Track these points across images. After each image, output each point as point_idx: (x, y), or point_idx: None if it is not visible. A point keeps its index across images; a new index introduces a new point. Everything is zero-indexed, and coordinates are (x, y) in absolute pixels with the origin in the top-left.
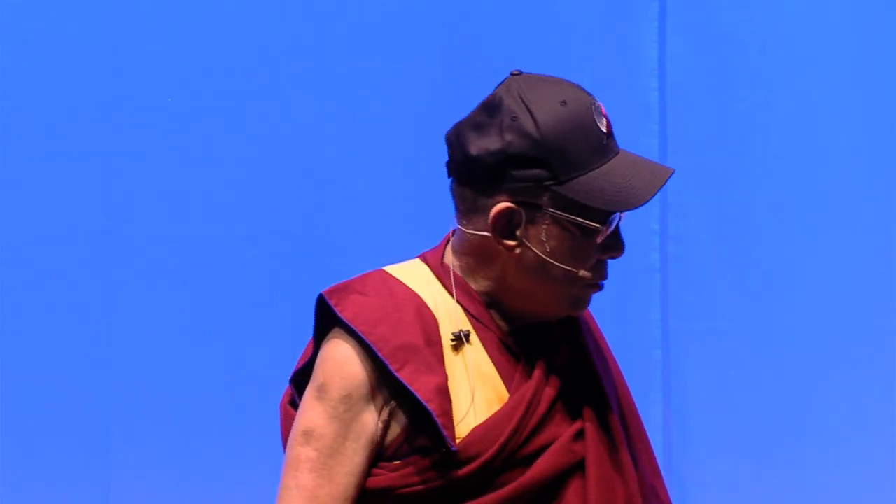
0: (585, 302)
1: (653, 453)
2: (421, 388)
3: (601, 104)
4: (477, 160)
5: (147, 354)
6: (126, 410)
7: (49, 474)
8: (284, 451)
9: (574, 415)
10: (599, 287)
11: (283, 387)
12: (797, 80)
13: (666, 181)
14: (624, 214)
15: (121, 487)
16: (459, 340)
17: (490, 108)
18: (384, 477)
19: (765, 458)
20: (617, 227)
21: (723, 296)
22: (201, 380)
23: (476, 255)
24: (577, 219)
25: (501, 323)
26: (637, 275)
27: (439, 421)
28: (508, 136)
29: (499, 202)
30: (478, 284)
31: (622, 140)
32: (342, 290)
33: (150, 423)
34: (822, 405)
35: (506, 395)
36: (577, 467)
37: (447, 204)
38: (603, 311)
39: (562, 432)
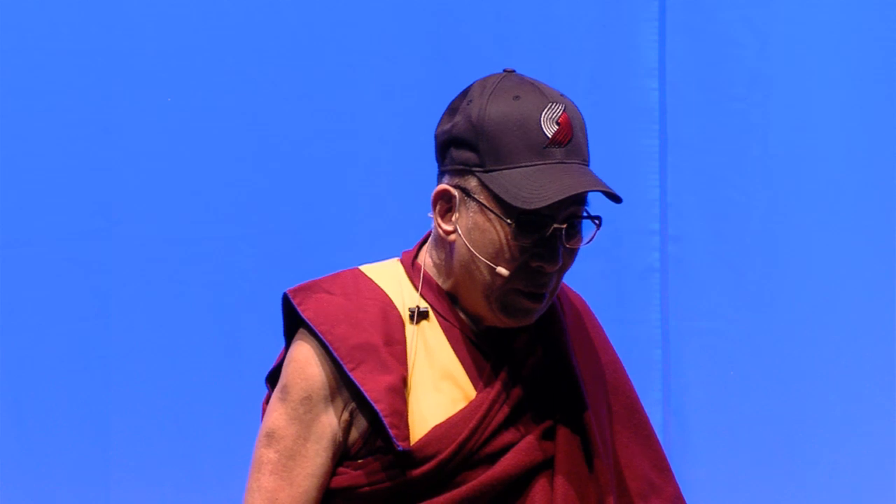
0: (521, 311)
1: (657, 449)
2: (372, 387)
3: (571, 117)
4: (435, 139)
5: (147, 354)
6: (126, 410)
7: (49, 474)
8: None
9: (545, 414)
10: (533, 296)
11: None
12: (796, 81)
13: (581, 196)
14: (563, 227)
15: (121, 487)
16: (414, 317)
17: (462, 94)
18: (347, 476)
19: (764, 458)
20: (554, 238)
21: (722, 296)
22: (201, 380)
23: (438, 247)
24: (492, 210)
25: (468, 321)
26: (637, 275)
27: (386, 420)
28: (458, 118)
29: (441, 184)
30: (443, 281)
31: (622, 140)
32: (307, 288)
33: (151, 423)
34: (822, 405)
35: (472, 393)
36: (545, 465)
37: None
38: (603, 311)
39: (530, 431)
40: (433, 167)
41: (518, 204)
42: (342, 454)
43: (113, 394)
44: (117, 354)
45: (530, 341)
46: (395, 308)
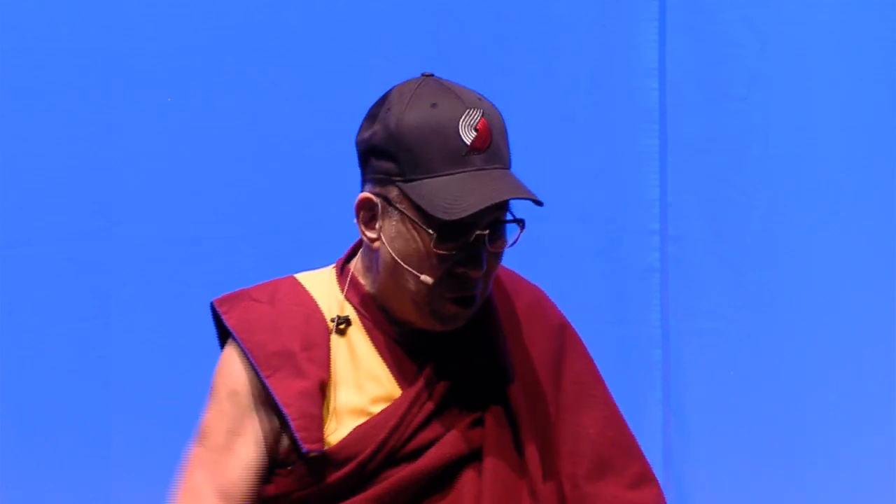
0: (451, 317)
1: (619, 428)
2: (283, 392)
3: (490, 122)
4: (356, 147)
5: (147, 354)
6: (126, 410)
7: (49, 474)
8: None
9: (473, 407)
10: (462, 300)
11: None
12: (796, 81)
13: (501, 203)
14: (486, 233)
15: (121, 487)
16: (338, 325)
17: (381, 100)
18: (279, 483)
19: (764, 457)
20: (479, 242)
21: (722, 295)
22: (201, 380)
23: (366, 253)
24: (414, 220)
25: (396, 324)
26: (637, 275)
27: (294, 424)
28: (376, 126)
29: (364, 191)
30: (370, 285)
31: (622, 140)
32: (235, 297)
33: (151, 424)
34: (822, 405)
35: (398, 393)
36: (473, 457)
37: None
38: (603, 311)
39: (456, 425)
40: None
41: (439, 214)
42: (278, 462)
43: (113, 394)
44: (117, 354)
45: (460, 336)
46: (320, 313)
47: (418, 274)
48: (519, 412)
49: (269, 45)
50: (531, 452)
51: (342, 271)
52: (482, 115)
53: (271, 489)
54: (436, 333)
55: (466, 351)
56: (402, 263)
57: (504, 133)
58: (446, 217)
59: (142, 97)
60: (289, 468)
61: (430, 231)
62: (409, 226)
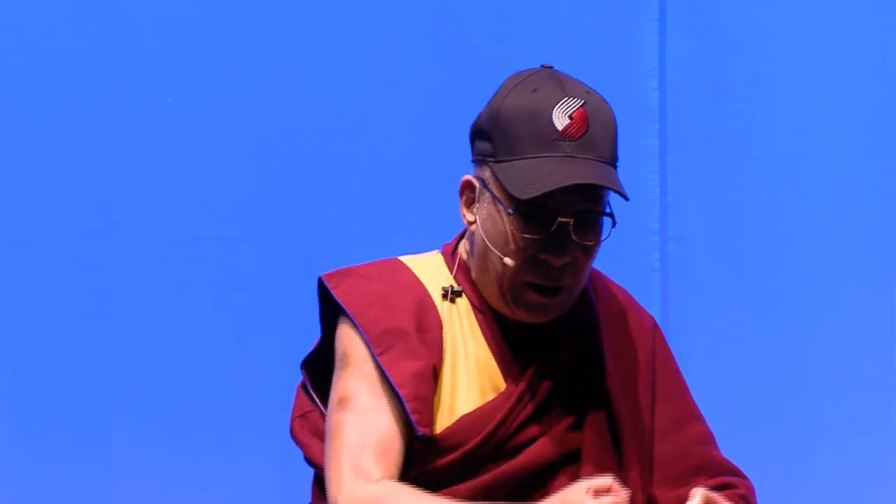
0: (532, 305)
1: (705, 449)
2: (397, 372)
3: (589, 113)
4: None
5: (147, 354)
6: (126, 410)
7: (49, 474)
8: (292, 434)
9: (574, 407)
10: (543, 290)
11: (284, 387)
12: (797, 80)
13: (593, 192)
14: (570, 221)
15: (121, 487)
16: (447, 294)
17: (499, 88)
18: None
19: (764, 457)
20: (564, 231)
21: (723, 296)
22: (202, 380)
23: (468, 238)
24: (500, 201)
25: (503, 314)
26: (637, 275)
27: (409, 406)
28: (484, 110)
29: (469, 174)
30: (473, 271)
31: (623, 139)
32: (343, 273)
33: (151, 424)
34: (823, 405)
35: (502, 385)
36: (572, 458)
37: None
38: None
39: (557, 424)
40: (435, 167)
41: (515, 193)
42: None
43: (113, 394)
44: (118, 354)
45: (564, 333)
46: (430, 297)
47: (502, 256)
48: (618, 417)
49: (269, 46)
50: (630, 460)
51: (452, 255)
52: (581, 105)
53: None
54: (538, 328)
55: (567, 350)
56: (490, 245)
57: (609, 129)
58: (520, 196)
59: (142, 97)
60: None
61: (511, 211)
62: (497, 207)
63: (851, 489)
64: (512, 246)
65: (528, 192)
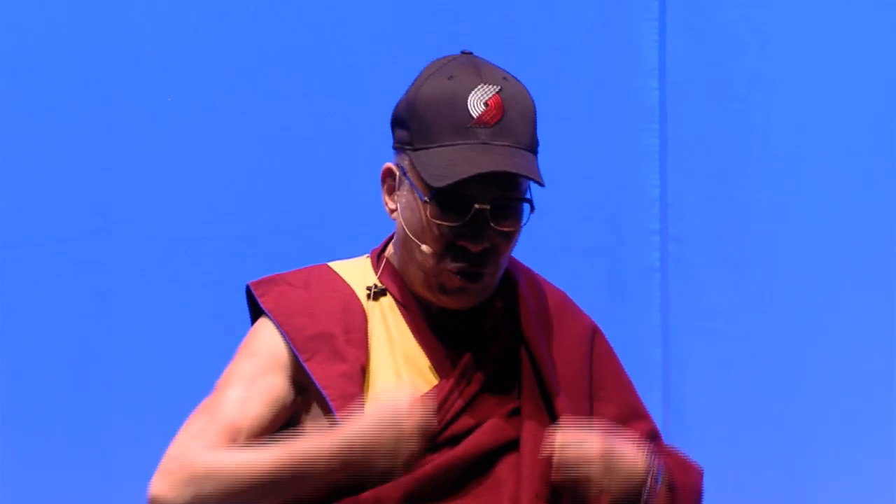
0: (456, 290)
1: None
2: (323, 375)
3: (505, 99)
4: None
5: (148, 354)
6: (127, 411)
7: (49, 474)
8: None
9: (510, 396)
10: (466, 275)
11: None
12: (797, 80)
13: (509, 178)
14: (487, 208)
15: (121, 487)
16: (370, 294)
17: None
18: None
19: (765, 458)
20: (481, 218)
21: (723, 295)
22: (203, 380)
23: (396, 234)
24: (417, 188)
25: (430, 306)
26: (637, 275)
27: (333, 404)
28: (403, 97)
29: (389, 161)
30: (398, 265)
31: (623, 139)
32: (270, 281)
33: (151, 424)
34: (823, 405)
35: (434, 379)
36: (511, 445)
37: None
38: (603, 310)
39: (494, 414)
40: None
41: (430, 181)
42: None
43: (113, 394)
44: (118, 355)
45: (497, 324)
46: (356, 299)
47: (420, 244)
48: (555, 402)
49: (269, 46)
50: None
51: (378, 259)
52: (497, 92)
53: None
54: (469, 317)
55: (497, 343)
56: (409, 233)
57: (527, 115)
58: (434, 183)
59: (142, 97)
60: None
61: (426, 199)
62: (414, 195)
63: (851, 489)
64: (429, 233)
65: (442, 180)
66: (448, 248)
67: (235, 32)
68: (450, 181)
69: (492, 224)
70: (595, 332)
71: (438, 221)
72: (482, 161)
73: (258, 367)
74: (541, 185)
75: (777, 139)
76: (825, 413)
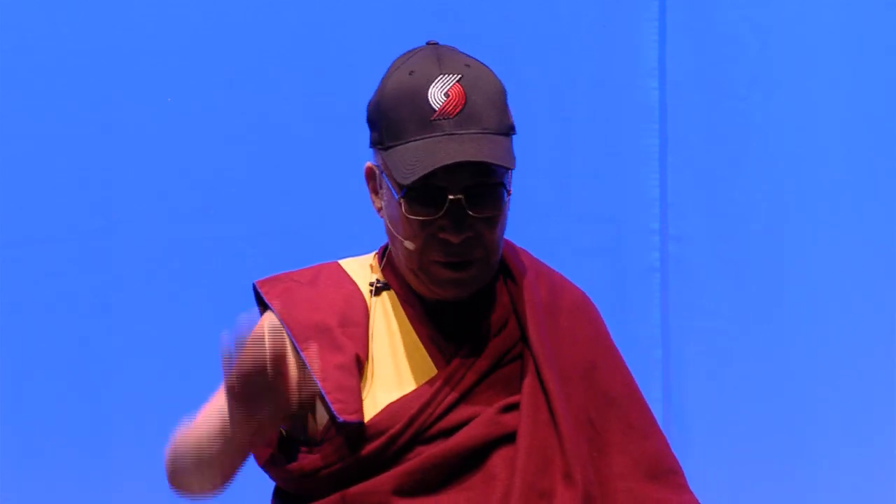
0: (447, 281)
1: (658, 452)
2: (320, 366)
3: (466, 87)
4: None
5: (148, 354)
6: (127, 410)
7: (50, 474)
8: None
9: (509, 391)
10: (454, 266)
11: None
12: (797, 80)
13: (479, 164)
14: (461, 197)
15: (121, 487)
16: (373, 290)
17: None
18: (310, 459)
19: (765, 457)
20: (458, 207)
21: (722, 295)
22: (203, 379)
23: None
24: (392, 187)
25: (429, 302)
26: (637, 274)
27: (329, 397)
28: (371, 98)
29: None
30: (395, 259)
31: (623, 139)
32: (275, 279)
33: (152, 423)
34: (823, 405)
35: (434, 371)
36: (506, 439)
37: None
38: (603, 310)
39: (490, 406)
40: None
41: (398, 178)
42: (314, 439)
43: (114, 394)
44: (118, 354)
45: (501, 319)
46: (360, 294)
47: (403, 240)
48: (554, 399)
49: (269, 45)
50: (570, 443)
51: (382, 254)
52: (457, 81)
53: (298, 467)
54: (474, 311)
55: (499, 337)
56: (392, 231)
57: (493, 98)
58: (402, 181)
59: (142, 97)
60: (318, 445)
61: (399, 196)
62: (391, 193)
63: (851, 489)
64: (408, 229)
65: (409, 177)
66: (430, 241)
67: (235, 32)
68: (415, 177)
69: (470, 212)
70: (607, 339)
71: (414, 217)
72: (445, 153)
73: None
74: (508, 168)
75: (777, 139)
76: (825, 413)
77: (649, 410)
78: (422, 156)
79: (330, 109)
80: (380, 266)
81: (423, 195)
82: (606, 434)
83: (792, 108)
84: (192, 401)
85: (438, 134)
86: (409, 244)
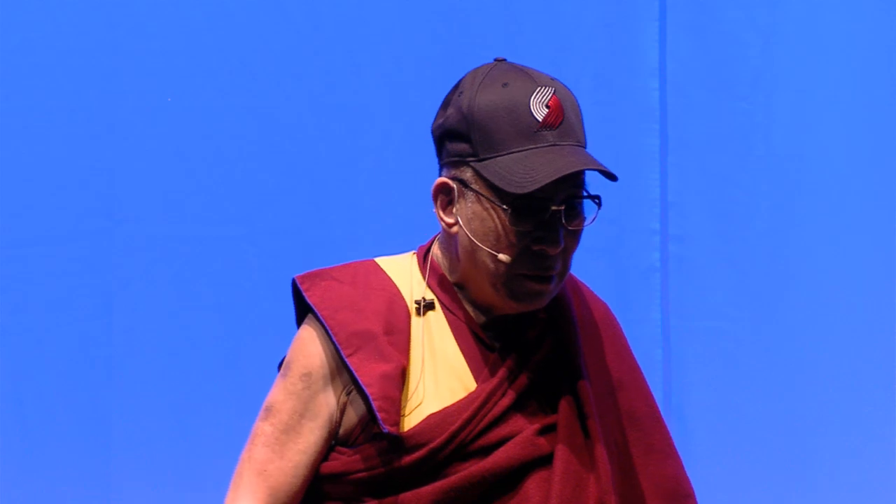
0: (529, 294)
1: (673, 471)
2: (365, 373)
3: (562, 99)
4: (432, 134)
5: (150, 354)
6: (129, 410)
7: (50, 474)
8: None
9: (548, 410)
10: (539, 279)
11: None
12: (798, 80)
13: (578, 177)
14: (562, 209)
15: (122, 487)
16: (419, 308)
17: (454, 88)
18: (340, 461)
19: (765, 457)
20: (555, 219)
21: (723, 295)
22: (204, 379)
23: (445, 241)
24: (489, 199)
25: (475, 314)
26: (637, 274)
27: (375, 404)
28: (450, 111)
29: (440, 177)
30: (451, 273)
31: (624, 139)
32: (316, 275)
33: (153, 423)
34: (822, 405)
35: (473, 385)
36: (542, 461)
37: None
38: None
39: (529, 426)
40: (437, 167)
41: (512, 189)
42: (339, 439)
43: (114, 394)
44: (119, 354)
45: (540, 336)
46: (402, 299)
47: (496, 253)
48: (591, 423)
49: (271, 45)
50: (602, 464)
51: (424, 258)
52: (554, 93)
53: (329, 466)
54: (516, 326)
55: (540, 353)
56: (479, 244)
57: (578, 112)
58: (519, 191)
59: (142, 97)
60: (355, 448)
61: (505, 207)
62: (485, 205)
63: (851, 489)
64: (505, 241)
65: (525, 187)
66: (523, 253)
67: (235, 32)
68: (534, 186)
69: (564, 224)
70: (628, 349)
71: (516, 228)
72: (561, 163)
73: (308, 387)
74: (615, 179)
75: (778, 139)
76: (825, 412)
77: (668, 431)
78: (534, 165)
79: (332, 110)
80: (423, 272)
81: (527, 206)
82: (630, 454)
83: (793, 108)
84: (192, 401)
85: (543, 144)
86: (503, 256)
